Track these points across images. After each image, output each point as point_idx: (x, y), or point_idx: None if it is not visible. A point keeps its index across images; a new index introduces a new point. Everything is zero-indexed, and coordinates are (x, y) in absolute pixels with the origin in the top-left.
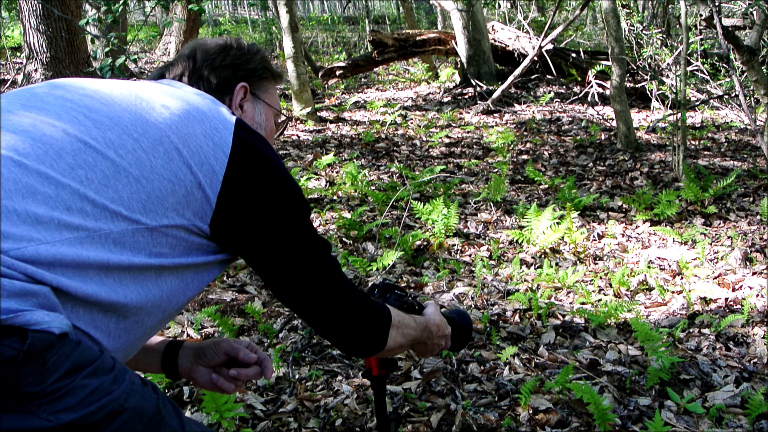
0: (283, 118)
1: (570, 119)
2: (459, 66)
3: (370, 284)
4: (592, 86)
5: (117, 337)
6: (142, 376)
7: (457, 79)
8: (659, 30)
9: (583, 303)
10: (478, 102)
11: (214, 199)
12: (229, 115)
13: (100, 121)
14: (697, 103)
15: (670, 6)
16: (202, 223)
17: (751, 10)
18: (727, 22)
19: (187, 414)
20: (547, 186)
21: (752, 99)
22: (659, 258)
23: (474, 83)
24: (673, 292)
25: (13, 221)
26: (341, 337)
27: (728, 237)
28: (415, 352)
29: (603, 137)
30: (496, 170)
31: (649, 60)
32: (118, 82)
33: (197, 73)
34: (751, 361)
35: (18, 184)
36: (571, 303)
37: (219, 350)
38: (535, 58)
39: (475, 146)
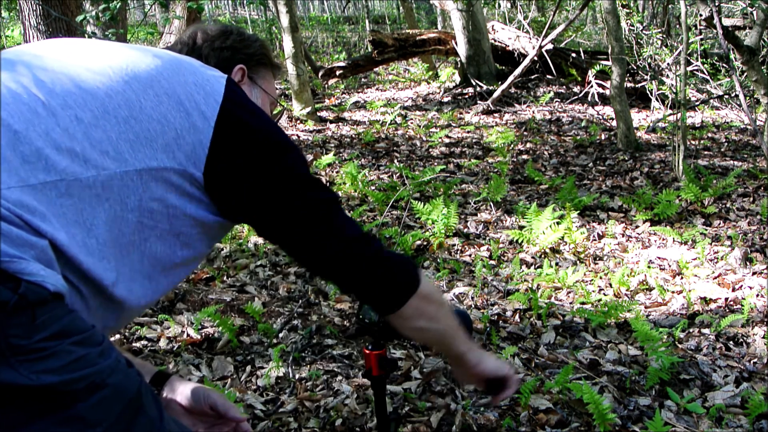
0: (279, 107)
1: (570, 119)
2: (459, 66)
3: None
4: (592, 86)
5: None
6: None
7: (457, 79)
8: (659, 30)
9: (583, 303)
10: (478, 102)
11: (207, 143)
12: (221, 73)
13: (91, 66)
14: (697, 103)
15: (670, 6)
16: (195, 170)
17: (751, 10)
18: (727, 22)
19: None
20: (547, 186)
21: (752, 99)
22: (659, 258)
23: (474, 83)
24: (673, 292)
25: (6, 157)
26: (360, 289)
27: (728, 237)
28: (441, 351)
29: (603, 137)
30: (496, 170)
31: (649, 60)
32: (112, 42)
33: (196, 53)
34: (751, 361)
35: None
36: (571, 303)
37: (206, 401)
38: (535, 58)
39: (475, 146)
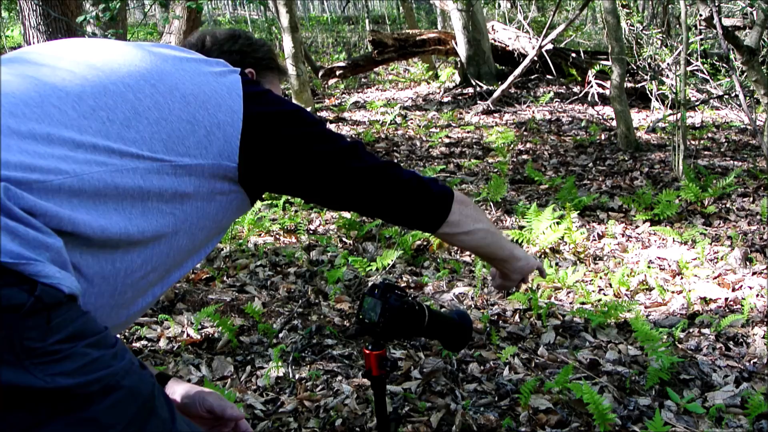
0: None
1: (570, 119)
2: (459, 66)
3: (370, 284)
4: (592, 86)
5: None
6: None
7: (457, 79)
8: (659, 30)
9: (583, 303)
10: (478, 102)
11: (238, 135)
12: (231, 66)
13: (116, 69)
14: (697, 103)
15: (670, 6)
16: (229, 162)
17: (750, 10)
18: (727, 22)
19: None
20: (547, 186)
21: (752, 99)
22: (659, 258)
23: (474, 83)
24: (673, 292)
25: (41, 155)
26: (406, 212)
27: (728, 237)
28: (492, 264)
29: (603, 137)
30: (496, 170)
31: (649, 60)
32: (127, 42)
33: (206, 55)
34: (751, 361)
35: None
36: (571, 303)
37: (202, 405)
38: (535, 58)
39: (475, 146)
